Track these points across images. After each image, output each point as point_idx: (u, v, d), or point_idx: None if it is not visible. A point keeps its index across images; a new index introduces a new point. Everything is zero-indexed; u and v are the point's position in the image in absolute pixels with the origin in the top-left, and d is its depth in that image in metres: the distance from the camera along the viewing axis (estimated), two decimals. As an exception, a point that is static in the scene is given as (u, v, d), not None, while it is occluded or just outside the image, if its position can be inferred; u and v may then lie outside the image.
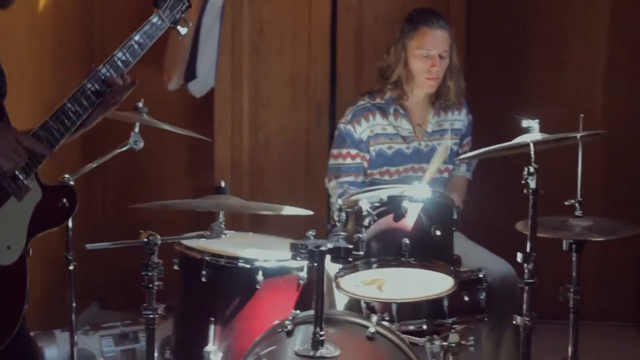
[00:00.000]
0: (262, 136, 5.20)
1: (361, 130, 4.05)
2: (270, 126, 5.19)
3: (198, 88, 5.13)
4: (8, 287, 2.54)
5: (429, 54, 3.98)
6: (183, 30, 2.87)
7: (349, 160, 4.06)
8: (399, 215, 3.14)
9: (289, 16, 5.09)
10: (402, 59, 4.02)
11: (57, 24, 4.96)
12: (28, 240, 2.59)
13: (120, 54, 2.74)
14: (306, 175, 5.11)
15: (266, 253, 3.57)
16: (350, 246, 2.90)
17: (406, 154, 4.09)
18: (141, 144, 3.63)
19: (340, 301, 3.68)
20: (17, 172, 2.55)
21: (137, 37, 2.76)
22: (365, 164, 4.07)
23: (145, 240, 3.12)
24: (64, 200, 2.67)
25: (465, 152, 4.17)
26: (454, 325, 3.47)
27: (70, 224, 3.60)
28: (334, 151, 4.09)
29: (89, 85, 2.69)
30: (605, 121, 5.22)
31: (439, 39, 3.98)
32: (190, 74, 5.06)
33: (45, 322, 4.49)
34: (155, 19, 2.79)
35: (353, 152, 4.05)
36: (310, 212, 3.48)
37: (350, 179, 4.05)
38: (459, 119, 4.17)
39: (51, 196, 2.66)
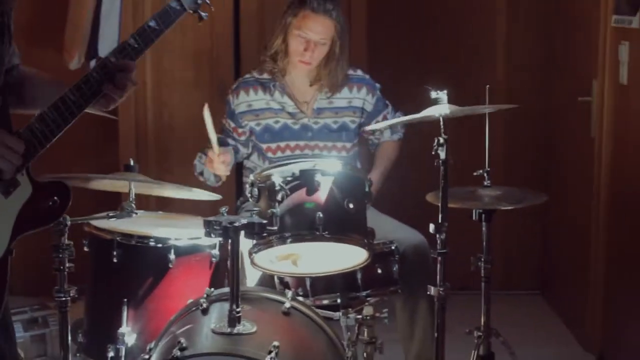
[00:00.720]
0: (166, 114, 5.15)
1: (237, 102, 4.10)
2: (173, 103, 5.14)
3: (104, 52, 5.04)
4: None
5: (306, 37, 3.97)
6: (204, 14, 2.67)
7: (227, 126, 4.14)
8: (312, 189, 3.13)
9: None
10: (282, 34, 4.02)
11: None
12: (12, 240, 2.42)
13: (132, 40, 2.54)
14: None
15: (178, 232, 3.53)
16: (264, 221, 2.89)
17: (294, 130, 4.08)
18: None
19: (253, 277, 3.66)
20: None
21: (152, 23, 2.56)
22: (236, 136, 4.12)
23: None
24: (55, 197, 2.50)
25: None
26: (368, 298, 3.48)
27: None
28: (223, 116, 4.18)
29: (94, 74, 2.49)
30: (507, 91, 5.30)
31: (319, 25, 3.95)
32: (92, 52, 4.97)
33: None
34: (173, 4, 2.59)
35: (226, 119, 4.15)
36: (218, 197, 3.47)
37: (230, 140, 4.12)
38: (358, 96, 4.14)
39: (42, 193, 2.47)
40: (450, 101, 3.33)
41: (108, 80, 2.47)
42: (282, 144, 4.08)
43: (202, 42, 5.05)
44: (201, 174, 4.03)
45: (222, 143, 3.95)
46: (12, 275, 5.59)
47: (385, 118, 4.18)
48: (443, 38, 5.46)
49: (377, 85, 4.20)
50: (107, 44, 4.95)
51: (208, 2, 2.68)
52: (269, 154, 4.09)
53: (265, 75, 4.10)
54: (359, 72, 4.18)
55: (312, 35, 3.95)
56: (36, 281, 4.43)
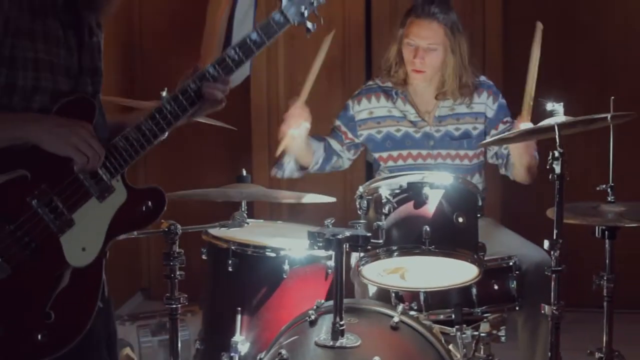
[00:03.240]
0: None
1: (358, 109, 4.10)
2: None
3: (234, 77, 5.09)
4: (81, 287, 2.47)
5: (414, 44, 3.92)
6: (312, 26, 2.67)
7: (336, 131, 4.15)
8: (420, 202, 3.09)
9: (323, 4, 5.04)
10: (396, 46, 4.00)
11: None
12: (106, 243, 2.49)
13: (232, 52, 2.62)
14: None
15: (293, 242, 3.54)
16: (369, 234, 2.86)
17: (415, 138, 4.04)
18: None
19: (371, 291, 3.64)
20: (100, 172, 2.47)
21: (253, 36, 2.63)
22: (344, 138, 4.11)
23: (166, 229, 3.10)
24: (149, 203, 2.55)
25: (503, 131, 4.01)
26: (485, 315, 3.41)
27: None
28: (334, 120, 4.19)
29: (191, 85, 2.56)
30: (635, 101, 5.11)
31: (425, 29, 3.89)
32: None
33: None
34: (277, 16, 2.64)
35: (337, 123, 4.14)
36: (332, 199, 3.45)
37: (332, 143, 4.13)
38: (479, 102, 4.05)
39: (136, 199, 2.54)
40: (572, 113, 3.22)
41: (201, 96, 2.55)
42: (405, 153, 4.04)
43: (334, 52, 5.05)
44: (279, 166, 4.01)
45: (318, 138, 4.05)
46: (149, 279, 5.77)
47: (503, 124, 4.04)
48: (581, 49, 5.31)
49: (500, 94, 4.09)
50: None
51: (316, 13, 2.67)
52: (390, 163, 4.05)
53: (389, 84, 4.08)
54: (482, 78, 4.10)
55: (419, 41, 3.90)
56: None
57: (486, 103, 4.06)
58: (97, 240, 2.47)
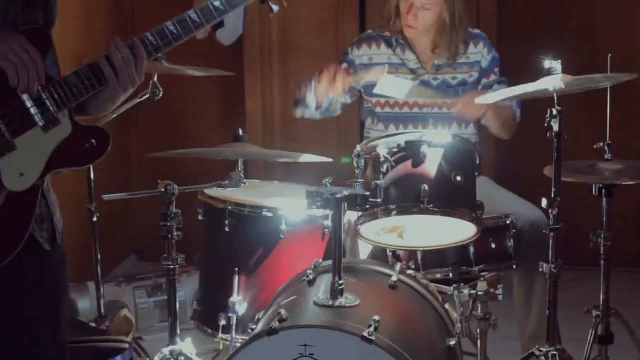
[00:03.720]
0: (292, 84, 5.14)
1: (357, 54, 4.09)
2: (299, 74, 5.11)
3: (226, 36, 5.06)
4: (14, 212, 2.41)
5: (410, 0, 3.91)
6: (275, 7, 2.68)
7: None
8: (418, 161, 3.06)
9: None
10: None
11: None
12: (45, 173, 2.45)
13: (194, 15, 2.60)
14: (338, 122, 5.04)
15: (290, 202, 3.52)
16: (367, 193, 2.84)
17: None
18: (160, 94, 3.59)
19: (365, 250, 3.63)
20: (47, 103, 2.42)
21: (216, 3, 2.64)
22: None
23: (163, 190, 3.09)
24: (93, 140, 2.55)
25: (492, 85, 4.06)
26: (482, 273, 3.41)
27: (92, 175, 3.58)
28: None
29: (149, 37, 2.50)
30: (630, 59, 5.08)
31: None
32: (218, 22, 4.99)
33: (79, 274, 4.51)
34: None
35: (344, 65, 4.08)
36: (329, 160, 3.43)
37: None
38: (476, 52, 4.06)
39: (81, 135, 2.48)
40: (569, 71, 3.20)
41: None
42: (401, 101, 4.03)
43: (328, 12, 5.03)
44: (300, 102, 3.96)
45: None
46: (142, 241, 5.75)
47: (494, 74, 4.08)
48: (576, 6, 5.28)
49: (493, 47, 4.11)
50: (233, 15, 4.96)
51: None
52: (387, 109, 4.05)
53: (387, 33, 4.09)
54: (477, 30, 4.12)
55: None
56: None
57: (482, 52, 4.07)
58: (36, 168, 2.44)
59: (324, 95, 3.87)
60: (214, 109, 5.45)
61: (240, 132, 3.35)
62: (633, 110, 5.20)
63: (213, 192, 3.53)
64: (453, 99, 3.89)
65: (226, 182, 3.28)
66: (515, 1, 5.20)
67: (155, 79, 3.56)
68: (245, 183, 3.29)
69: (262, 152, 3.51)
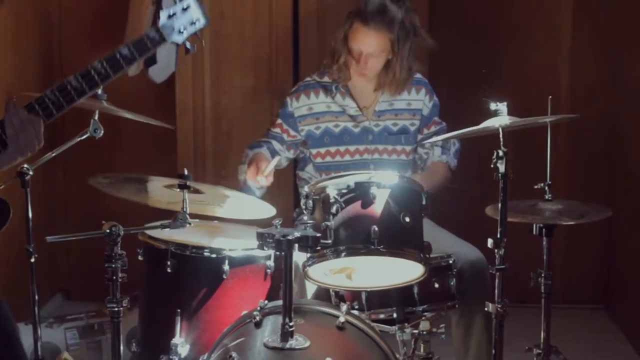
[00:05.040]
0: (224, 121, 5.12)
1: (297, 105, 4.09)
2: (232, 111, 5.11)
3: (158, 73, 5.03)
4: None
5: (359, 50, 3.92)
6: (191, 47, 2.70)
7: (276, 129, 4.13)
8: (367, 202, 3.07)
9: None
10: (341, 44, 3.98)
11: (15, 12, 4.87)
12: None
13: (98, 65, 2.59)
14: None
15: (232, 242, 3.50)
16: (318, 234, 2.84)
17: (354, 133, 4.05)
18: (101, 132, 3.51)
19: (311, 290, 3.62)
20: None
21: (124, 51, 2.60)
22: (286, 137, 4.09)
23: (108, 231, 3.03)
24: None
25: (433, 134, 4.11)
26: (425, 313, 3.41)
27: (30, 215, 3.50)
28: (274, 118, 4.19)
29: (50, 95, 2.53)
30: (571, 102, 5.19)
31: (370, 37, 3.89)
32: (150, 59, 4.96)
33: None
34: (151, 33, 2.63)
35: (279, 121, 4.12)
36: (273, 211, 3.41)
37: (274, 143, 4.11)
38: (417, 98, 4.11)
39: None
40: (510, 113, 3.26)
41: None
42: (342, 148, 4.05)
43: (261, 49, 5.01)
44: (245, 183, 3.95)
45: (254, 147, 4.07)
46: (69, 280, 5.64)
47: (434, 126, 4.13)
48: (505, 50, 5.36)
49: (434, 92, 4.16)
50: (165, 51, 4.95)
51: (198, 34, 2.68)
52: (328, 159, 4.05)
53: (326, 79, 4.09)
54: (419, 75, 4.14)
55: (364, 48, 3.91)
56: (95, 287, 4.42)
57: (423, 100, 4.11)
58: None
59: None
60: (146, 146, 5.38)
61: (185, 171, 3.30)
62: (571, 150, 5.29)
63: (154, 232, 3.48)
64: None
65: (172, 222, 3.23)
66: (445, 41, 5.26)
67: (96, 117, 3.49)
68: (190, 223, 3.25)
69: (213, 193, 3.46)
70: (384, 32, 3.88)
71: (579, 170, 5.34)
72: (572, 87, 5.30)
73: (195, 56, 5.04)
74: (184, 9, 2.66)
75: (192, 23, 2.67)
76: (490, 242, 3.19)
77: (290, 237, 2.79)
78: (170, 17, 2.65)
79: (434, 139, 3.93)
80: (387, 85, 4.02)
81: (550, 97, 3.44)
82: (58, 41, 5.43)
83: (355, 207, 3.09)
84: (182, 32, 2.66)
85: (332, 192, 3.08)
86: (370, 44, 3.90)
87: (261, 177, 3.77)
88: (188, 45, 2.69)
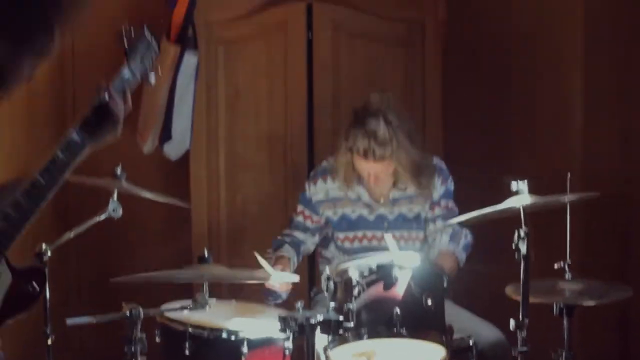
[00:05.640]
0: (239, 198, 5.11)
1: (315, 190, 4.06)
2: (247, 188, 5.10)
3: (173, 150, 5.04)
4: None
5: (366, 171, 3.91)
6: (152, 77, 2.72)
7: (299, 217, 4.10)
8: (389, 284, 3.07)
9: (264, 77, 5.03)
10: (345, 157, 3.94)
11: (29, 90, 4.87)
12: None
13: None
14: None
15: (250, 323, 3.48)
16: (341, 318, 2.83)
17: (369, 221, 4.03)
18: (119, 212, 3.53)
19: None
20: None
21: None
22: (310, 224, 4.08)
23: (128, 313, 3.02)
24: (34, 283, 2.47)
25: (438, 217, 4.08)
26: (445, 395, 3.38)
27: (47, 296, 3.49)
28: (296, 204, 4.16)
29: (60, 155, 2.50)
30: (585, 180, 5.15)
31: (374, 166, 3.87)
32: (165, 135, 4.97)
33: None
34: (126, 74, 2.65)
35: (300, 208, 4.10)
36: (296, 278, 3.40)
37: (297, 234, 4.09)
38: (431, 182, 4.05)
39: (21, 279, 2.47)
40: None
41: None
42: (360, 234, 4.03)
43: (276, 127, 5.02)
44: (272, 294, 3.84)
45: (277, 246, 4.01)
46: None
47: (439, 207, 4.07)
48: (518, 128, 5.36)
49: (450, 178, 4.11)
50: (181, 127, 4.96)
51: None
52: (346, 244, 4.04)
53: None
54: (436, 160, 4.11)
55: (371, 171, 3.90)
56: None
57: (436, 185, 4.07)
58: None
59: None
60: (159, 225, 5.37)
61: (205, 252, 3.29)
62: (592, 229, 5.26)
63: (172, 313, 3.46)
64: None
65: (191, 304, 3.21)
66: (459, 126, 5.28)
67: (115, 197, 3.50)
68: (210, 306, 3.23)
69: (230, 274, 3.45)
70: (384, 159, 3.84)
71: (597, 248, 5.29)
72: (586, 163, 5.27)
73: (210, 133, 5.07)
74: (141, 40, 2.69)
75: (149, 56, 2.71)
76: (512, 323, 3.17)
77: (313, 321, 2.77)
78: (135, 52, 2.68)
79: (451, 221, 3.90)
80: (403, 183, 4.01)
81: (569, 173, 3.44)
82: (72, 116, 5.42)
83: (378, 290, 3.08)
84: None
85: (354, 275, 3.07)
86: (376, 168, 3.88)
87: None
88: (151, 78, 2.71)
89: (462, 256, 4.04)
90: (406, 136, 3.89)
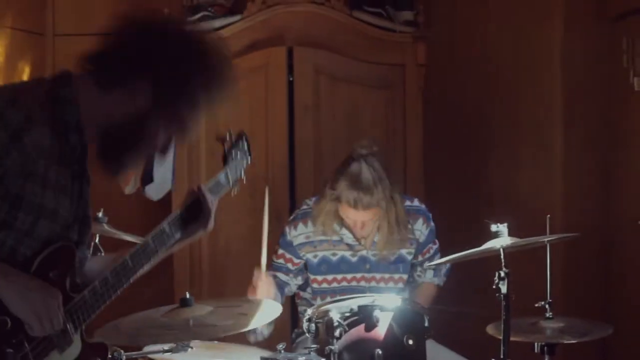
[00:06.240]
0: (222, 238, 5.13)
1: (295, 234, 4.07)
2: (229, 229, 5.12)
3: (155, 191, 5.04)
4: None
5: (353, 220, 3.93)
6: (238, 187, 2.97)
7: (280, 260, 4.11)
8: (371, 325, 3.09)
9: (245, 119, 5.06)
10: (335, 208, 3.96)
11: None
12: None
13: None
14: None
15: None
16: (322, 359, 2.84)
17: (351, 262, 4.03)
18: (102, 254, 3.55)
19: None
20: (68, 326, 2.43)
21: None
22: (291, 266, 4.08)
23: (110, 356, 3.03)
24: (98, 358, 2.56)
25: (427, 260, 4.12)
26: None
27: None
28: (275, 246, 4.14)
29: (150, 243, 2.62)
30: (566, 220, 5.19)
31: (362, 215, 3.89)
32: (147, 177, 4.98)
33: None
34: (222, 178, 2.89)
35: (280, 251, 4.11)
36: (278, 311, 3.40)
37: (280, 275, 4.09)
38: (415, 228, 4.08)
39: (88, 352, 2.54)
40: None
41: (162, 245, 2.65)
42: (339, 277, 4.03)
43: (258, 167, 5.04)
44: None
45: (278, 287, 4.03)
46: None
47: (428, 252, 4.13)
48: (498, 170, 5.40)
49: (430, 216, 4.15)
50: (162, 169, 4.98)
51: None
52: (324, 285, 4.04)
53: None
54: (416, 202, 4.12)
55: (358, 218, 3.92)
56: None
57: (421, 230, 4.09)
58: None
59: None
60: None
61: (187, 294, 3.29)
62: (571, 268, 5.29)
63: (156, 356, 3.46)
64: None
65: (174, 346, 3.23)
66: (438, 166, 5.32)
67: (97, 240, 3.52)
68: (192, 347, 3.24)
69: (215, 327, 3.44)
70: (372, 207, 3.85)
71: (577, 287, 5.32)
72: (567, 203, 5.30)
73: (191, 173, 5.10)
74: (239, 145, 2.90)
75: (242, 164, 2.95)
76: (493, 363, 3.20)
77: (294, 364, 2.79)
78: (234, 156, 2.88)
79: (433, 262, 3.97)
80: (384, 236, 4.01)
81: (548, 215, 3.48)
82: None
83: (359, 331, 3.10)
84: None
85: (335, 316, 3.09)
86: (364, 216, 3.90)
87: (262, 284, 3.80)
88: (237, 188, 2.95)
89: (443, 281, 4.17)
90: (390, 181, 3.94)
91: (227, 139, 2.83)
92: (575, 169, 5.28)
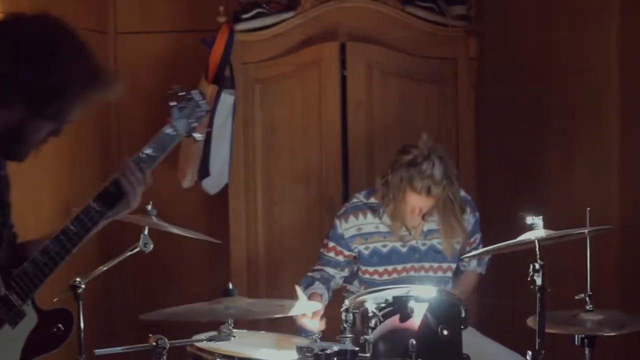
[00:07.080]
0: (277, 230, 5.22)
1: (346, 226, 4.13)
2: (284, 221, 5.21)
3: (212, 185, 5.18)
4: None
5: (414, 207, 3.99)
6: (198, 136, 2.82)
7: (330, 254, 4.17)
8: (405, 316, 3.16)
9: (299, 114, 5.15)
10: (398, 194, 4.01)
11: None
12: None
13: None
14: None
15: (278, 353, 3.55)
16: (357, 349, 2.91)
17: (401, 252, 4.10)
18: (150, 247, 3.63)
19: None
20: (12, 298, 2.50)
21: (148, 150, 2.71)
22: (342, 259, 4.14)
23: (154, 344, 3.12)
24: (60, 325, 2.61)
25: (473, 249, 4.17)
26: None
27: (82, 326, 3.61)
28: (324, 240, 4.21)
29: (93, 205, 2.63)
30: (621, 214, 5.15)
31: (424, 201, 3.96)
32: (204, 171, 5.12)
33: None
34: (168, 130, 2.75)
35: (331, 244, 4.16)
36: (318, 305, 3.47)
37: (327, 270, 4.15)
38: (464, 218, 4.14)
39: (47, 321, 2.60)
40: (549, 226, 3.33)
41: (108, 208, 2.63)
42: (390, 268, 4.09)
43: (312, 161, 5.13)
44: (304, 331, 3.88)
45: (308, 284, 4.07)
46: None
47: (475, 242, 4.22)
48: (552, 164, 5.39)
49: (475, 206, 4.23)
50: (219, 163, 5.11)
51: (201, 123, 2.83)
52: (376, 277, 4.10)
53: (373, 200, 4.13)
54: (463, 193, 4.18)
55: (420, 206, 3.99)
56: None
57: (468, 219, 4.16)
58: None
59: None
60: (196, 258, 5.48)
61: (230, 285, 3.40)
62: (611, 261, 5.27)
63: (202, 344, 3.55)
64: None
65: (216, 334, 3.32)
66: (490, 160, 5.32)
67: (146, 232, 3.62)
68: (234, 336, 3.33)
69: (250, 311, 3.53)
70: (436, 194, 3.93)
71: (625, 280, 5.29)
72: (622, 199, 5.26)
73: (247, 167, 5.19)
74: (188, 99, 2.79)
75: (198, 117, 2.81)
76: (529, 354, 3.23)
77: (329, 352, 2.86)
78: (180, 110, 2.77)
79: (474, 252, 4.02)
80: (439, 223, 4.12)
81: (588, 208, 3.49)
82: (116, 152, 5.58)
83: (394, 321, 3.16)
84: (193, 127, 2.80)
85: (370, 306, 3.16)
86: (425, 203, 3.97)
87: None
88: (196, 135, 2.81)
89: (485, 270, 4.27)
90: (455, 186, 4.02)
91: (177, 93, 2.81)
92: (632, 164, 5.24)
